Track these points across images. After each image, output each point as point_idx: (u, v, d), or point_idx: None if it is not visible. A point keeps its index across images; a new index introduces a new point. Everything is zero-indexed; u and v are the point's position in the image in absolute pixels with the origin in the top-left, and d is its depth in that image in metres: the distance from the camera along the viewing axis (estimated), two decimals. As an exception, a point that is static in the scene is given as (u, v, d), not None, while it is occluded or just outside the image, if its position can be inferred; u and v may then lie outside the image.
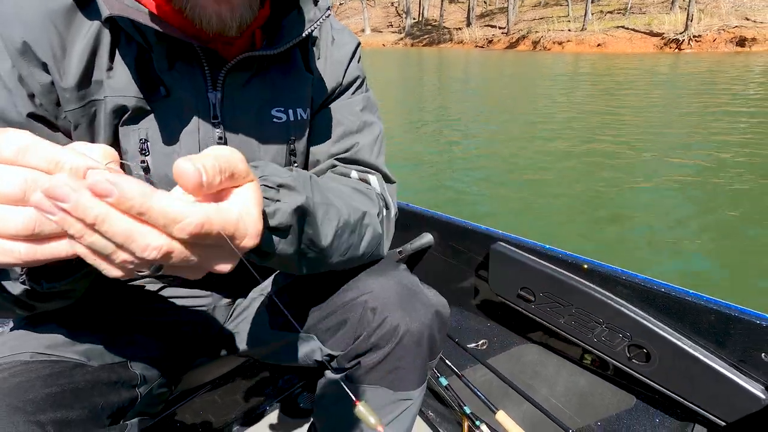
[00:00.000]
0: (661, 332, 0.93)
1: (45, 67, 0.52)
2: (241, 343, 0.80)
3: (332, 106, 0.72)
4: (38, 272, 0.41)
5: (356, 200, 0.61)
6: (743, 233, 3.38)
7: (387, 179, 0.74)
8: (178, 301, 0.75)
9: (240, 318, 0.80)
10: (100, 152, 0.34)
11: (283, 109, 0.65)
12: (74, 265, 0.44)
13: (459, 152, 5.97)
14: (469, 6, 42.59)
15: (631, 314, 0.96)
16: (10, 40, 0.50)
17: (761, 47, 21.23)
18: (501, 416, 1.04)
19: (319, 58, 0.70)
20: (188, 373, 0.85)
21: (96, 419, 0.52)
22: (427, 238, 1.33)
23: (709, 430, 0.93)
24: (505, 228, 1.20)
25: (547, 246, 1.08)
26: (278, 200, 0.45)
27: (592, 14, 30.39)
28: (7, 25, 0.50)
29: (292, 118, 0.66)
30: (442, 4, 47.22)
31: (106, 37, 0.54)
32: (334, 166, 0.71)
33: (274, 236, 0.46)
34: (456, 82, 14.37)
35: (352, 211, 0.57)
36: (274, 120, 0.65)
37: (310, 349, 0.72)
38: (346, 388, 0.42)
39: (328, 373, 0.74)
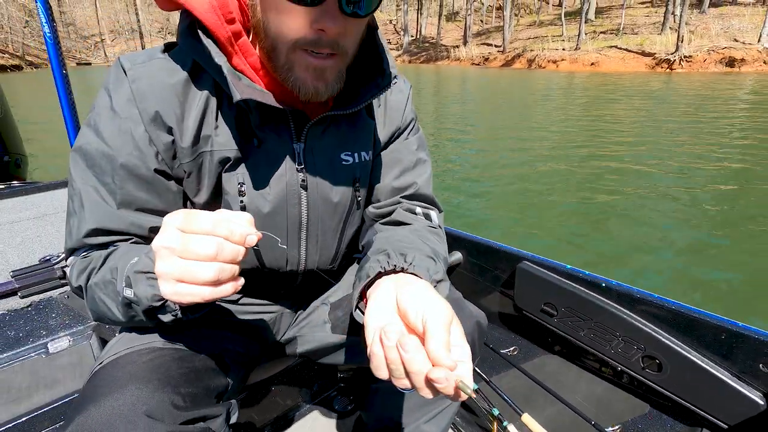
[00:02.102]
0: (672, 345, 1.04)
1: (170, 131, 0.65)
2: (303, 346, 0.90)
3: (392, 146, 0.84)
4: (187, 307, 0.54)
5: (439, 246, 0.74)
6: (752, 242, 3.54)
7: (439, 210, 0.87)
8: (254, 308, 0.86)
9: (303, 323, 0.91)
10: (246, 218, 0.48)
11: (350, 152, 0.76)
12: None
13: (465, 169, 6.11)
14: (465, 24, 43.41)
15: (645, 328, 1.07)
16: (145, 111, 0.63)
17: (750, 68, 21.82)
18: (526, 418, 1.14)
19: (379, 106, 0.81)
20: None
21: (209, 396, 0.64)
22: (456, 257, 1.44)
23: None
24: (510, 242, 1.32)
25: (569, 266, 1.20)
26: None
27: (586, 34, 31.10)
28: (144, 99, 0.63)
29: (357, 160, 0.77)
30: (439, 22, 48.13)
31: (213, 102, 0.66)
32: (399, 202, 0.82)
33: None
34: (457, 98, 14.67)
35: (444, 261, 0.71)
36: (343, 162, 0.75)
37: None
38: None
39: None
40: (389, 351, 0.43)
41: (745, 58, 22.12)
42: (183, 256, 0.44)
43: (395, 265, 0.58)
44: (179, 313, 0.54)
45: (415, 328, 0.46)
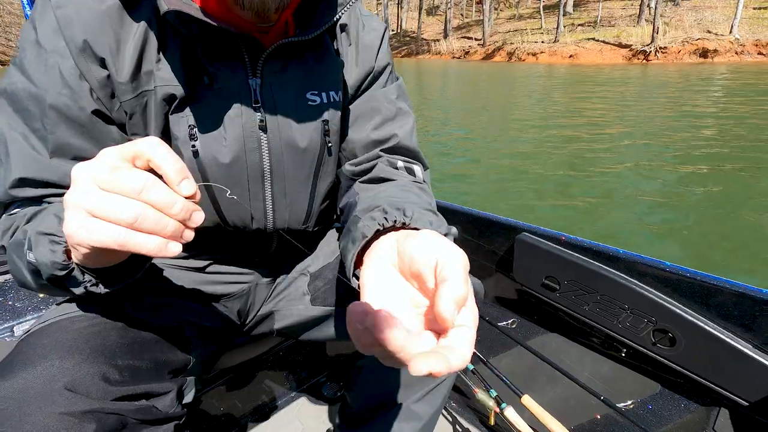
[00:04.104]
0: (686, 316, 0.95)
1: (103, 63, 0.57)
2: (281, 321, 0.82)
3: (369, 94, 0.75)
4: (103, 277, 0.48)
5: (433, 202, 0.69)
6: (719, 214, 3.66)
7: (425, 166, 0.78)
8: (223, 278, 0.78)
9: (280, 296, 0.83)
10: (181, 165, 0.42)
11: (317, 92, 0.68)
12: (127, 272, 0.50)
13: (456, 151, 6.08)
14: (446, 18, 43.48)
15: (656, 299, 0.98)
16: (72, 40, 0.55)
17: (722, 58, 22.38)
18: (527, 400, 1.04)
19: (350, 45, 0.74)
20: (224, 354, 0.86)
21: (159, 372, 0.58)
22: (451, 231, 1.34)
23: (732, 413, 0.95)
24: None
25: (572, 236, 1.10)
26: None
27: (564, 27, 31.47)
28: (69, 26, 0.55)
29: (326, 101, 0.69)
30: (419, 17, 48.12)
31: (154, 31, 0.58)
32: (379, 156, 0.74)
33: None
34: (440, 88, 14.66)
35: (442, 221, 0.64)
36: (309, 103, 0.67)
37: None
38: None
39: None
40: (360, 336, 0.34)
41: (717, 49, 22.67)
42: (104, 187, 0.37)
43: (395, 221, 0.50)
44: (90, 285, 0.47)
45: (422, 280, 0.38)
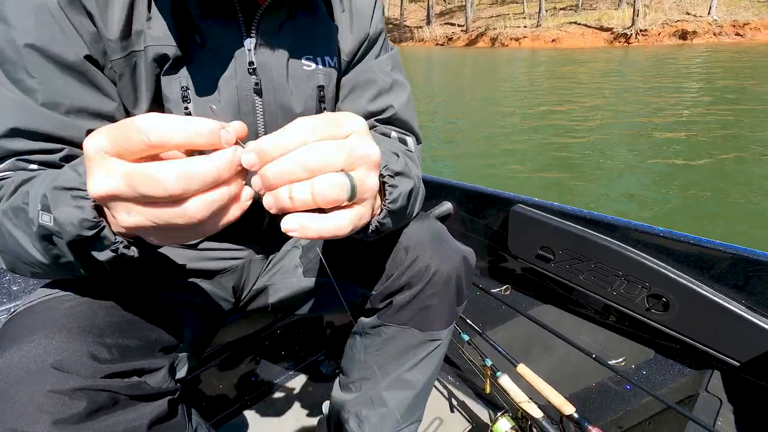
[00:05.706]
0: (680, 280, 0.95)
1: (91, 17, 0.55)
2: (275, 295, 0.82)
3: (364, 64, 0.75)
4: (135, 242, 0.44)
5: (414, 168, 0.65)
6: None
7: (418, 140, 0.79)
8: (217, 254, 0.77)
9: (274, 270, 0.82)
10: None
11: (312, 57, 0.67)
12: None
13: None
14: (428, 5, 43.11)
15: (650, 264, 0.98)
16: None
17: (701, 40, 22.68)
18: (522, 368, 1.04)
19: (344, 11, 0.73)
20: (220, 331, 0.84)
21: (150, 350, 0.56)
22: (446, 206, 1.34)
23: (724, 374, 0.96)
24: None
25: (566, 205, 1.09)
26: (397, 186, 0.51)
27: (546, 11, 31.50)
28: None
29: (321, 65, 0.68)
30: (402, 3, 47.60)
31: None
32: (374, 126, 0.74)
33: (390, 217, 0.52)
34: (423, 77, 14.60)
35: (417, 180, 0.62)
36: (305, 67, 0.67)
37: (344, 291, 0.75)
38: None
39: (362, 319, 0.77)
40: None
41: (696, 31, 22.96)
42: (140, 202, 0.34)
43: None
44: (123, 246, 0.41)
45: None
